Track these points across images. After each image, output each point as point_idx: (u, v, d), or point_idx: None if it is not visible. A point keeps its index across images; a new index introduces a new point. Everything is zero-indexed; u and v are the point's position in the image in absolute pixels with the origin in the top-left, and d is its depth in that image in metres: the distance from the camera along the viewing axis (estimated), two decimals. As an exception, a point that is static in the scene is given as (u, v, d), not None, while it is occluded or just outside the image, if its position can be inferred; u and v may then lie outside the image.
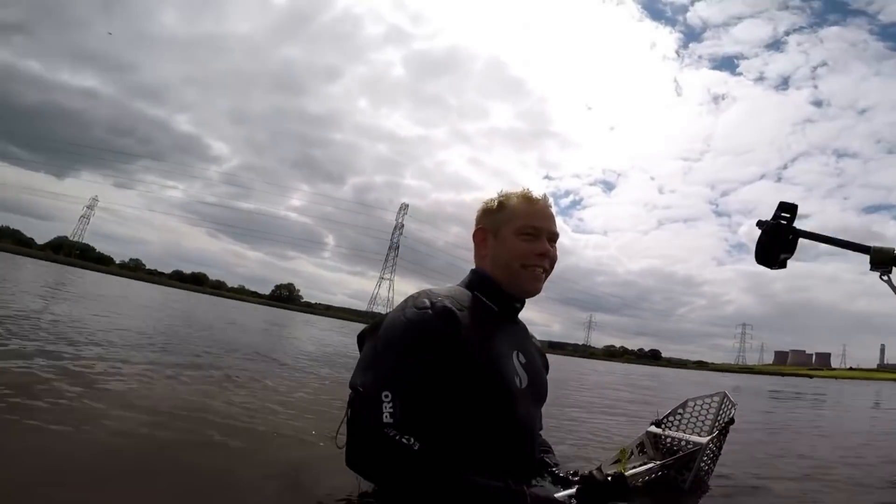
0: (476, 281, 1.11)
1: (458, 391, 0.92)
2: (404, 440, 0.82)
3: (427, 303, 0.97)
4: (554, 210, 1.17)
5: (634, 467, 1.20)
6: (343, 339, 9.96)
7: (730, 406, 1.42)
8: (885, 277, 0.92)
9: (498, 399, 0.96)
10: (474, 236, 1.16)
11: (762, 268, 1.08)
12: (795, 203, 1.05)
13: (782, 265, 1.06)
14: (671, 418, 1.45)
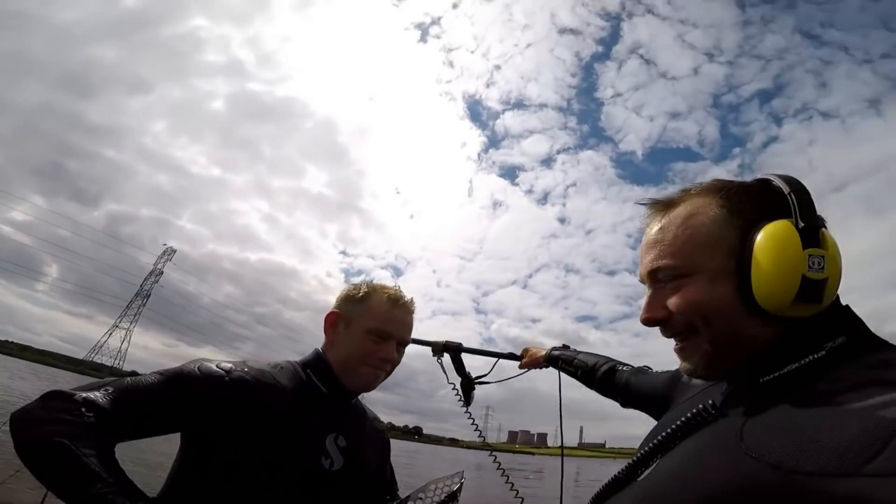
0: (313, 362, 1.08)
1: (237, 457, 0.90)
2: (84, 407, 0.76)
3: (228, 367, 0.95)
4: (414, 311, 1.14)
5: None
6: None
7: (458, 482, 1.17)
8: (439, 361, 1.35)
9: (281, 475, 0.91)
10: (326, 319, 1.11)
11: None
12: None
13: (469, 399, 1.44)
14: None
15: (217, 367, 0.95)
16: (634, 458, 0.66)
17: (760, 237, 0.57)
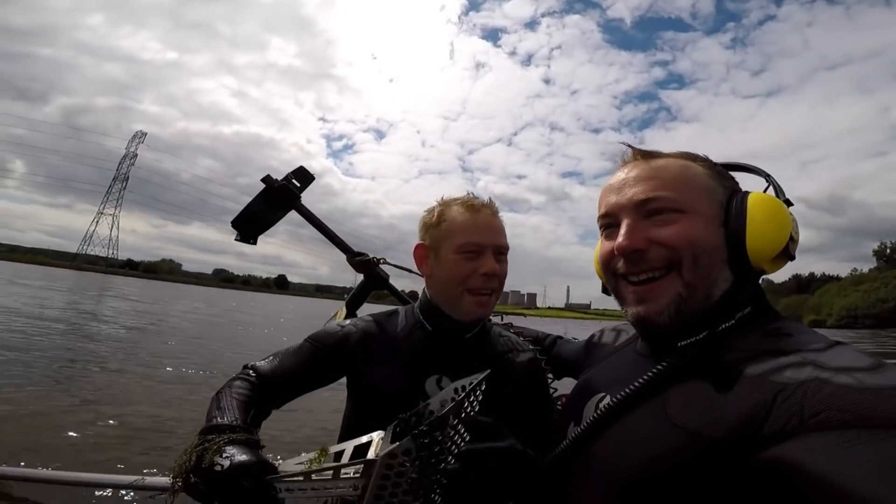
0: (423, 302, 1.06)
1: (354, 398, 1.02)
2: (251, 370, 0.96)
3: (345, 324, 1.07)
4: (501, 215, 1.04)
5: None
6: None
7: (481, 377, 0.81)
8: (251, 241, 1.25)
9: (371, 412, 0.94)
10: (414, 254, 1.05)
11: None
12: (314, 175, 1.17)
13: (253, 240, 1.14)
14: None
15: (337, 325, 1.05)
16: (579, 431, 0.64)
17: (754, 199, 0.62)
